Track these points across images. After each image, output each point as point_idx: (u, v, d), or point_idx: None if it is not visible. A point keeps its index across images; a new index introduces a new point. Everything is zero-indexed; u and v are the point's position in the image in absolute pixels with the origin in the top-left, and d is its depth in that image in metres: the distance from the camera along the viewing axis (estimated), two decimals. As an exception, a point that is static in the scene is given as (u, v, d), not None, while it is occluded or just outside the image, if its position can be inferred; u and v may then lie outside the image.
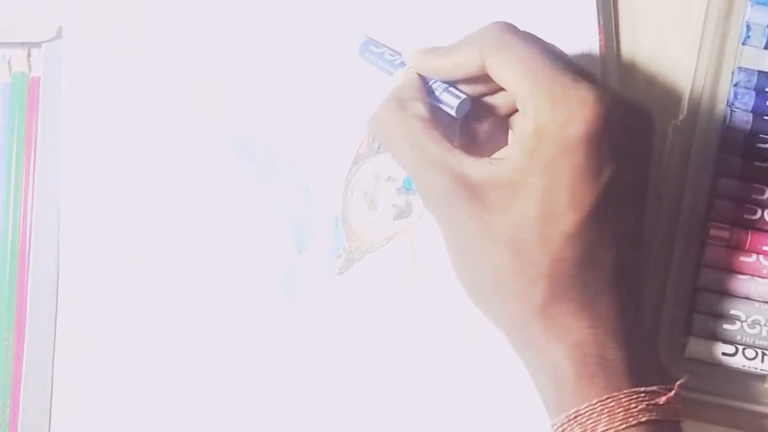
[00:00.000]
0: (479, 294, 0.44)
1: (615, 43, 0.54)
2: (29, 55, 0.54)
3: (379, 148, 0.53)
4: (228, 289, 0.52)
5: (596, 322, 0.41)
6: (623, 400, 0.40)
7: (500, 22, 0.45)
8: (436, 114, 0.44)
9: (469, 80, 0.45)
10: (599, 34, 0.53)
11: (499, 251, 0.42)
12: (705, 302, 0.51)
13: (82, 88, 0.53)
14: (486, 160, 0.42)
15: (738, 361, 0.50)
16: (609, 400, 0.40)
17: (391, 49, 0.50)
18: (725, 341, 0.50)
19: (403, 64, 0.48)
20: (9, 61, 0.54)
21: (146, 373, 0.52)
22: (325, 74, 0.53)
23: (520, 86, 0.42)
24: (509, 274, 0.42)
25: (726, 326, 0.50)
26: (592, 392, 0.41)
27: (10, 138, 0.53)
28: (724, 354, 0.50)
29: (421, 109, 0.44)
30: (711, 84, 0.52)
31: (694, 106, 0.52)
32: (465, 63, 0.44)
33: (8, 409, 0.51)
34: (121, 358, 0.52)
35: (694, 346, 0.50)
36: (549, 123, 0.41)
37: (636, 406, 0.40)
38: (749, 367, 0.50)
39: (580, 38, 0.53)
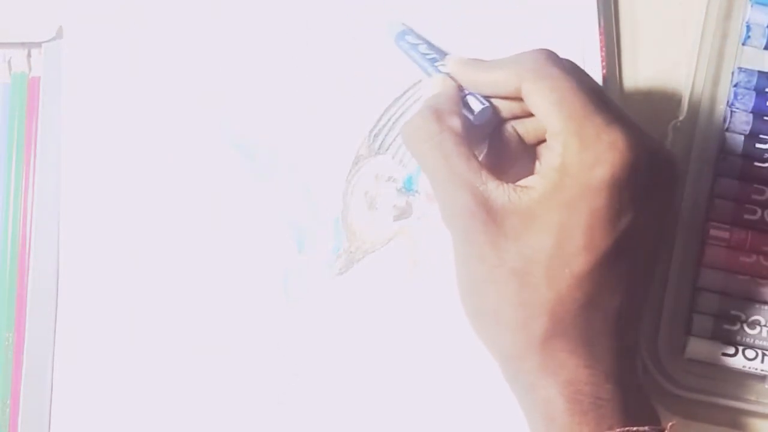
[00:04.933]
0: (479, 319, 0.43)
1: (615, 44, 0.54)
2: (29, 55, 0.54)
3: (379, 148, 0.53)
4: (228, 289, 0.52)
5: (593, 362, 0.41)
6: None
7: (543, 49, 0.44)
8: (467, 129, 0.44)
9: (503, 100, 0.45)
10: (600, 34, 0.53)
11: (506, 279, 0.41)
12: (705, 302, 0.51)
13: (82, 88, 0.53)
14: (510, 186, 0.42)
15: (738, 361, 0.50)
16: None
17: (429, 43, 0.50)
18: (725, 341, 0.50)
19: (435, 59, 0.48)
20: (9, 61, 0.54)
21: (146, 373, 0.52)
22: (326, 75, 0.53)
23: (552, 119, 0.42)
24: (512, 304, 0.41)
25: (726, 326, 0.50)
26: (585, 429, 0.41)
27: (10, 138, 0.53)
28: (724, 354, 0.50)
29: (456, 123, 0.44)
30: (711, 84, 0.52)
31: (694, 106, 0.52)
32: (501, 83, 0.44)
33: (8, 409, 0.51)
34: (121, 358, 0.52)
35: (694, 346, 0.50)
36: (575, 162, 0.41)
37: None
38: (749, 367, 0.50)
39: (581, 39, 0.53)
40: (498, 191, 0.42)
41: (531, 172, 0.45)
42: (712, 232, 0.51)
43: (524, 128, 0.45)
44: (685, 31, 0.54)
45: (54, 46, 0.54)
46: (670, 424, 0.42)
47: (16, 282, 0.52)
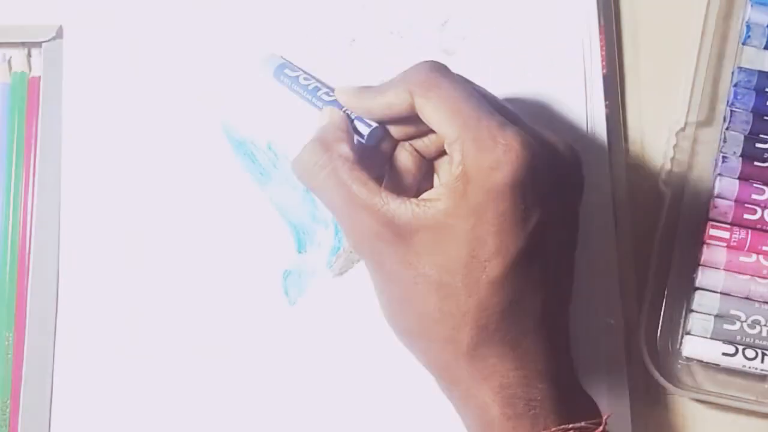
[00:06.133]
0: (407, 336, 0.44)
1: (616, 43, 0.54)
2: (29, 55, 0.54)
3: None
4: (228, 289, 0.52)
5: (523, 364, 0.41)
6: None
7: (429, 61, 0.44)
8: (363, 156, 0.44)
9: (400, 121, 0.45)
10: (600, 34, 0.53)
11: (425, 294, 0.41)
12: (705, 302, 0.51)
13: (82, 88, 0.53)
14: (413, 201, 0.42)
15: (738, 361, 0.50)
16: None
17: (306, 73, 0.49)
18: (725, 341, 0.50)
19: (317, 89, 0.48)
20: (9, 61, 0.54)
21: (146, 373, 0.52)
22: (326, 75, 0.53)
23: (447, 129, 0.42)
24: (435, 318, 0.41)
25: (726, 326, 0.50)
26: None
27: (10, 138, 0.53)
28: (724, 354, 0.50)
29: (346, 149, 0.43)
30: (711, 84, 0.53)
31: (695, 106, 0.52)
32: (395, 103, 0.43)
33: (8, 409, 0.51)
34: (121, 358, 0.52)
35: (694, 346, 0.50)
36: (475, 167, 0.41)
37: None
38: (749, 367, 0.50)
39: (582, 39, 0.53)
40: (401, 209, 0.42)
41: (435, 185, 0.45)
42: (712, 232, 0.51)
43: (423, 143, 0.45)
44: (685, 31, 0.54)
45: (54, 46, 0.54)
46: (606, 416, 0.42)
47: (16, 282, 0.52)
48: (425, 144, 0.46)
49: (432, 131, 0.44)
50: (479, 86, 0.45)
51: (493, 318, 0.41)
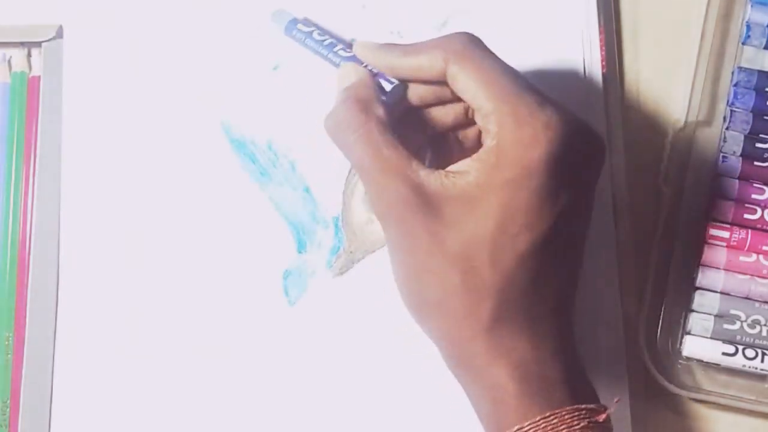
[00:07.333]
0: (423, 309, 0.43)
1: (616, 43, 0.54)
2: (29, 55, 0.54)
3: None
4: (228, 289, 0.52)
5: (539, 343, 0.41)
6: (566, 416, 0.41)
7: (466, 32, 0.43)
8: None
9: (420, 85, 0.44)
10: (600, 33, 0.53)
11: (449, 266, 0.41)
12: (705, 302, 0.51)
13: (82, 88, 0.53)
14: (442, 172, 0.42)
15: (738, 361, 0.50)
16: (552, 417, 0.40)
17: (321, 28, 0.48)
18: (725, 341, 0.50)
19: (333, 44, 0.46)
20: (9, 61, 0.54)
21: (146, 373, 0.52)
22: (326, 75, 0.53)
23: (484, 101, 0.41)
24: (458, 291, 0.41)
25: (726, 326, 0.50)
26: (535, 410, 0.41)
27: (10, 138, 0.53)
28: (724, 354, 0.50)
29: (381, 111, 0.43)
30: (711, 84, 0.53)
31: (694, 105, 0.52)
32: (425, 67, 0.43)
33: (8, 409, 0.51)
34: (121, 357, 0.52)
35: (694, 346, 0.50)
36: (512, 142, 0.41)
37: (578, 423, 0.41)
38: (749, 367, 0.50)
39: (582, 39, 0.53)
40: (430, 178, 0.41)
41: (443, 156, 0.45)
42: (712, 232, 0.51)
43: (438, 113, 0.45)
44: (685, 31, 0.54)
45: (54, 46, 0.54)
46: (615, 399, 0.42)
47: (16, 282, 0.52)
48: (440, 114, 0.45)
49: (452, 101, 0.44)
50: (511, 66, 0.44)
51: (516, 293, 0.41)
